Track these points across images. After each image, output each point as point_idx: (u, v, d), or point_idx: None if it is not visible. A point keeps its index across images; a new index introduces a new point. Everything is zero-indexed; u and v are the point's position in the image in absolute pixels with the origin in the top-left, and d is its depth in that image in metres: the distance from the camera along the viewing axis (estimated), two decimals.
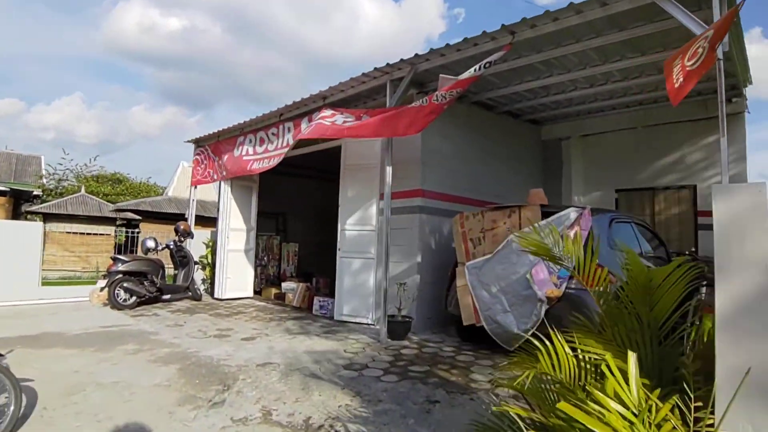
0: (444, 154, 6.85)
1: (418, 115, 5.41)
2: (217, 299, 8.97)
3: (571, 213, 4.95)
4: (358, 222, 6.90)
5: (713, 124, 5.40)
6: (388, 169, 5.85)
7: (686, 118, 7.80)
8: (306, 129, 6.61)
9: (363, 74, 6.11)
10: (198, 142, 10.13)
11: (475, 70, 4.92)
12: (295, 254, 10.84)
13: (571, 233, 4.47)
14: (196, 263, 9.24)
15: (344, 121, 6.11)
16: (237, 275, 9.08)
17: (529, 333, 3.33)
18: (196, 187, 10.26)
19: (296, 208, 11.58)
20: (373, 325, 6.59)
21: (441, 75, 5.21)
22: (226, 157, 9.01)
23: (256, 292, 9.73)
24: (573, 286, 4.53)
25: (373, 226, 6.75)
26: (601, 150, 9.04)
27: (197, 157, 10.04)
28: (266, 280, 10.30)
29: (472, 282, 5.20)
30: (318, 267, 11.61)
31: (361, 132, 5.85)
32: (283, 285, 8.93)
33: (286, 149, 7.30)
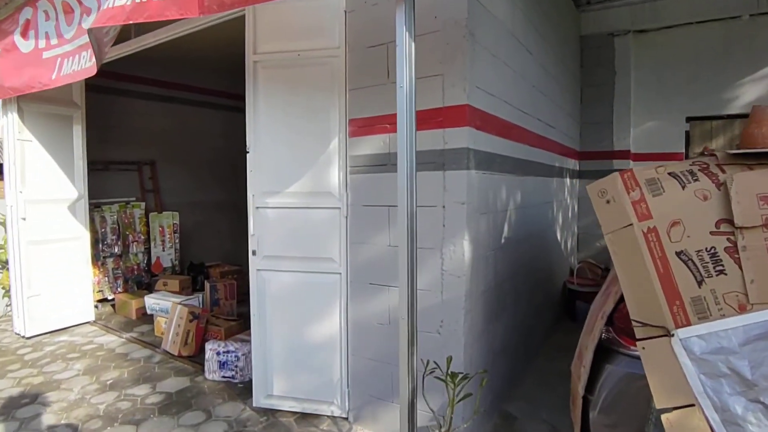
0: (506, 31, 3.04)
1: None
2: (19, 336, 4.69)
3: None
4: (296, 188, 2.98)
5: None
6: (404, 37, 1.89)
7: None
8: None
9: None
10: None
11: None
12: (174, 230, 6.60)
13: None
14: None
15: None
16: (55, 286, 4.79)
17: None
18: None
19: (174, 153, 7.06)
20: (345, 419, 2.96)
21: None
22: None
23: (108, 303, 5.51)
24: None
25: (334, 197, 2.90)
26: (671, 54, 5.73)
27: None
28: (125, 279, 6.05)
29: (715, 394, 1.69)
30: (218, 248, 7.46)
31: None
32: (148, 302, 4.81)
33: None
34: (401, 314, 1.93)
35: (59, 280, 4.82)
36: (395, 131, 2.60)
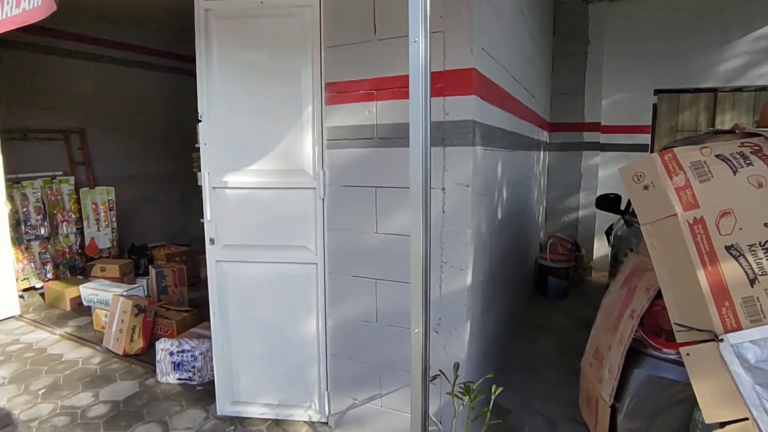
0: None
1: None
2: None
3: None
4: (261, 164, 2.52)
5: None
6: None
7: None
8: None
9: None
10: None
11: None
12: (110, 207, 5.88)
13: None
14: None
15: None
16: None
17: None
18: None
19: (107, 120, 6.20)
20: (325, 423, 2.63)
21: None
22: None
23: (36, 291, 4.84)
24: None
25: (307, 175, 2.48)
26: (644, 25, 5.55)
27: None
28: (56, 264, 5.34)
29: None
30: (161, 226, 6.80)
31: None
32: (84, 293, 4.20)
33: None
34: (414, 316, 1.60)
35: None
36: (384, 98, 2.22)
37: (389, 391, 2.44)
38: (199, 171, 4.55)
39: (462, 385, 1.82)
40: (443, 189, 2.16)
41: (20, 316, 4.47)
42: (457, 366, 1.95)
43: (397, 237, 2.28)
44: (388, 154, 2.25)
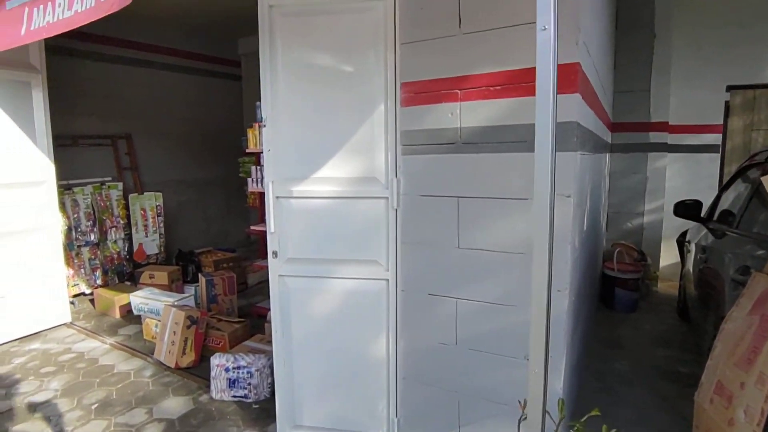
0: None
1: None
2: None
3: None
4: (328, 172, 2.33)
5: None
6: None
7: None
8: None
9: None
10: None
11: None
12: (158, 213, 5.85)
13: None
14: None
15: None
16: (23, 286, 4.07)
17: None
18: None
19: (153, 125, 6.20)
20: None
21: None
22: None
23: (86, 297, 4.83)
24: None
25: (379, 184, 2.27)
26: (713, 16, 5.14)
27: None
28: (105, 270, 5.33)
29: None
30: (206, 231, 6.77)
31: None
32: (134, 301, 4.12)
33: None
34: (535, 353, 1.36)
35: (27, 277, 4.09)
36: (470, 98, 1.99)
37: (469, 422, 2.21)
38: (248, 176, 4.43)
39: (578, 427, 1.57)
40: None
41: (71, 323, 4.44)
42: (562, 404, 1.69)
43: (482, 252, 2.05)
44: (473, 161, 2.02)
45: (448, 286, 2.16)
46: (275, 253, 2.42)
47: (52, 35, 2.50)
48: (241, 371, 3.02)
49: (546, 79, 1.24)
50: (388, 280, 2.32)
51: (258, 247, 5.70)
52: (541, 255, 1.31)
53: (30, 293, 4.11)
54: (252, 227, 4.35)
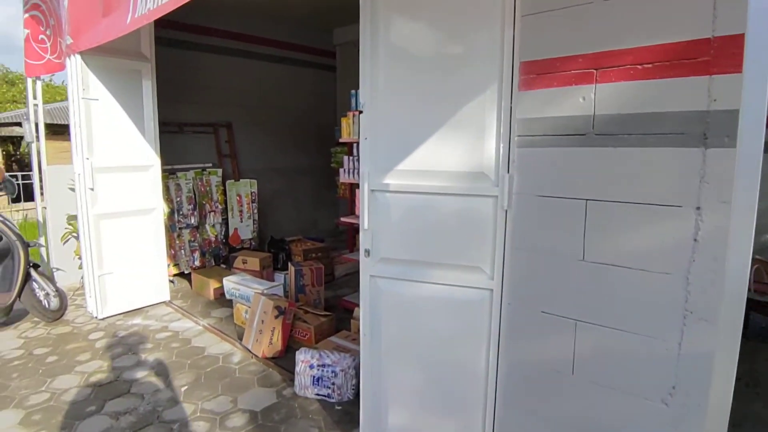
0: None
1: None
2: (91, 317, 4.28)
3: None
4: (430, 164, 2.08)
5: None
6: None
7: None
8: None
9: None
10: None
11: None
12: (253, 199, 6.00)
13: None
14: (34, 245, 4.39)
15: None
16: (128, 264, 4.31)
17: None
18: (39, 80, 4.87)
19: (252, 114, 6.37)
20: None
21: None
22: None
23: (182, 277, 5.07)
24: None
25: (488, 180, 1.97)
26: None
27: (32, 14, 4.63)
28: (202, 252, 5.56)
29: None
30: (296, 219, 6.87)
31: None
32: (227, 286, 4.20)
33: None
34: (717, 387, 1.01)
35: (133, 256, 4.33)
36: (609, 80, 1.63)
37: None
38: (339, 166, 4.31)
39: None
40: (698, 208, 1.51)
41: (170, 302, 4.65)
42: None
43: (613, 269, 1.69)
44: (609, 156, 1.66)
45: (566, 305, 1.82)
46: (368, 252, 2.22)
47: (151, 21, 2.48)
48: (325, 369, 2.89)
49: (762, 49, 0.87)
50: (492, 290, 2.03)
51: (346, 237, 5.63)
52: (738, 277, 0.96)
53: (135, 271, 4.34)
54: (342, 219, 4.24)
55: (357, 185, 4.20)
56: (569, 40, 1.71)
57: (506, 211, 1.94)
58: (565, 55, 1.72)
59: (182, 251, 5.37)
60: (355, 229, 5.07)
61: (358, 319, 3.61)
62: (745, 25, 1.34)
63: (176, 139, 5.48)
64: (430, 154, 2.07)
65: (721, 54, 1.43)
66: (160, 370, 3.34)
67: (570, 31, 1.70)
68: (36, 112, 4.61)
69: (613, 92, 1.63)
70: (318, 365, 2.90)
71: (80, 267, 4.90)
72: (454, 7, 1.96)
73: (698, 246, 1.52)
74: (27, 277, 3.89)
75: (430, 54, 2.03)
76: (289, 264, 4.51)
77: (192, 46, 5.69)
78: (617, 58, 1.61)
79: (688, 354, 1.59)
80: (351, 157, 4.17)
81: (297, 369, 2.98)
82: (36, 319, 4.13)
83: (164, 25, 4.92)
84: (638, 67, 1.57)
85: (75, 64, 3.82)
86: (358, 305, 4.05)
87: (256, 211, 5.98)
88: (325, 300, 4.49)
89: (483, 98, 1.94)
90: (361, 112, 2.18)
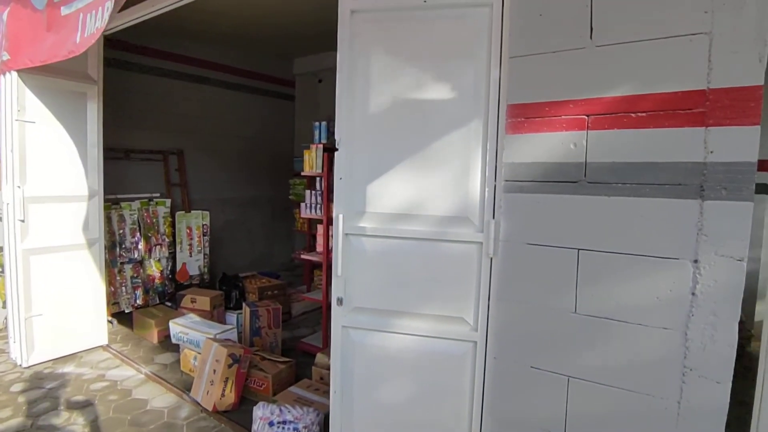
0: None
1: None
2: (15, 365, 3.77)
3: None
4: (408, 207, 1.95)
5: None
6: None
7: None
8: None
9: None
10: None
11: None
12: (204, 232, 5.65)
13: None
14: None
15: None
16: (61, 304, 3.86)
17: None
18: None
19: (204, 142, 6.05)
20: None
21: None
22: (6, 12, 3.53)
23: (122, 317, 4.62)
24: None
25: (471, 225, 1.86)
26: None
27: None
28: (146, 289, 5.11)
29: None
30: (249, 251, 6.55)
31: None
32: (173, 329, 3.83)
33: None
34: None
35: (67, 295, 3.88)
36: (602, 127, 1.58)
37: None
38: (300, 200, 4.11)
39: None
40: (695, 261, 1.46)
41: (108, 346, 4.20)
42: None
43: (608, 322, 1.60)
44: (602, 205, 1.59)
45: (558, 360, 1.71)
46: (340, 300, 2.04)
47: (94, 40, 2.27)
48: (286, 427, 2.63)
49: None
50: (475, 342, 1.90)
51: (302, 272, 5.38)
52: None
53: (69, 312, 3.89)
54: (303, 255, 4.02)
55: (319, 221, 4.01)
56: (560, 85, 1.66)
57: (491, 259, 1.84)
58: (556, 99, 1.67)
59: (123, 288, 4.92)
60: (313, 265, 4.86)
61: (320, 366, 3.39)
62: (754, 75, 1.33)
63: (122, 166, 5.10)
64: (409, 196, 1.95)
65: (716, 106, 1.41)
66: (94, 429, 2.94)
67: (560, 76, 1.66)
68: None
69: (606, 140, 1.58)
70: (278, 422, 2.64)
71: (3, 307, 4.36)
72: (436, 45, 1.88)
73: (696, 300, 1.46)
74: None
75: (414, 89, 1.93)
76: (243, 304, 4.20)
77: (144, 69, 5.38)
78: (610, 106, 1.57)
79: (688, 413, 1.51)
80: (313, 191, 3.99)
81: (254, 427, 2.69)
82: None
83: (114, 46, 4.63)
84: (632, 115, 1.53)
85: (10, 83, 3.46)
86: (318, 348, 3.82)
87: (207, 244, 5.63)
88: (282, 342, 4.20)
89: (467, 140, 1.85)
90: (335, 149, 2.03)
